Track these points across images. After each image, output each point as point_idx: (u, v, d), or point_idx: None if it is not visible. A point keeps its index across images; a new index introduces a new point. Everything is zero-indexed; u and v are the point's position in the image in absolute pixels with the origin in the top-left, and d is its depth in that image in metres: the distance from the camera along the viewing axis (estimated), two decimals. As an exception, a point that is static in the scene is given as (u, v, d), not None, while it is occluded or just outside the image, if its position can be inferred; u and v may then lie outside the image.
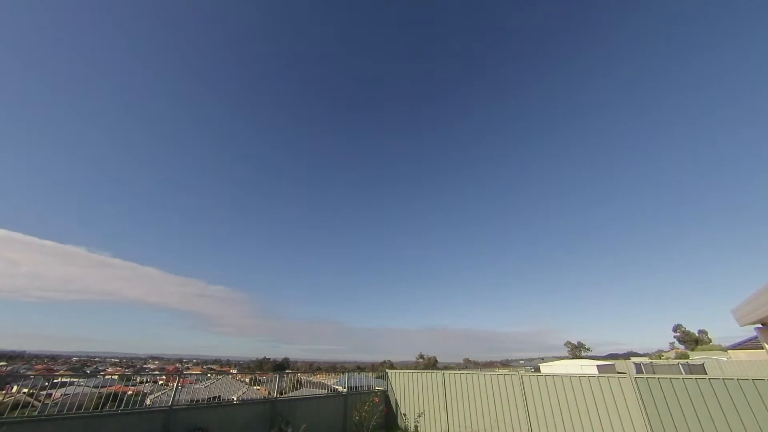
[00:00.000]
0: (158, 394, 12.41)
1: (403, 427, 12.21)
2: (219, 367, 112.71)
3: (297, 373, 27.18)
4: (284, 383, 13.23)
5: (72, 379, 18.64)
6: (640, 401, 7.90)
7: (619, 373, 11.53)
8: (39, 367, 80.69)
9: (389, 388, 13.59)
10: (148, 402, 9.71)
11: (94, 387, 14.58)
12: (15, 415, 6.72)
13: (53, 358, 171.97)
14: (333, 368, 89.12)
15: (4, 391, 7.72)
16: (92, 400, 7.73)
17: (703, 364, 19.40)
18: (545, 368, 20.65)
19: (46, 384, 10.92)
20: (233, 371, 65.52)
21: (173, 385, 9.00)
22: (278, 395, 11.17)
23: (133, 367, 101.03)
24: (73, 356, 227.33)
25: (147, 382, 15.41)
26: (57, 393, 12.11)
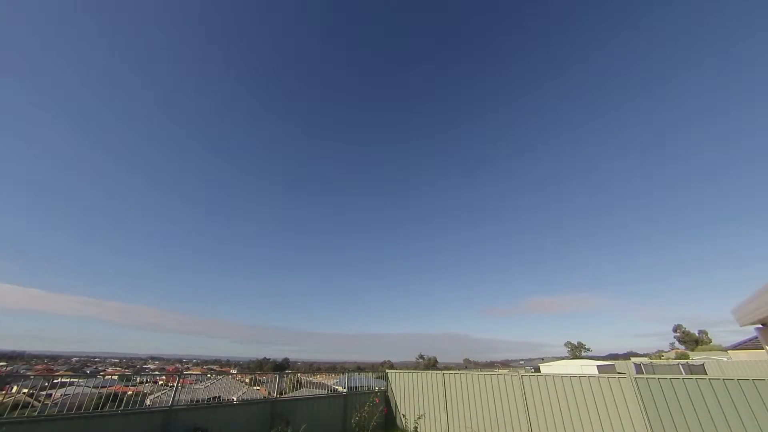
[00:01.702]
0: (158, 395, 12.38)
1: (403, 427, 12.20)
2: (219, 367, 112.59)
3: (297, 373, 27.14)
4: (284, 383, 13.22)
5: (72, 380, 18.57)
6: (640, 401, 7.90)
7: (619, 373, 11.50)
8: (39, 367, 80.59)
9: (389, 388, 13.58)
10: (148, 402, 9.69)
11: (94, 387, 14.55)
12: (15, 415, 6.71)
13: (53, 358, 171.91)
14: (333, 368, 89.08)
15: (4, 392, 7.71)
16: (92, 400, 7.73)
17: (703, 364, 19.37)
18: (545, 368, 20.60)
19: (46, 384, 10.90)
20: (233, 371, 65.50)
21: (173, 386, 9.00)
22: (278, 395, 11.16)
23: (133, 367, 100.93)
24: (73, 356, 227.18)
25: (147, 382, 15.39)
26: (57, 393, 12.09)
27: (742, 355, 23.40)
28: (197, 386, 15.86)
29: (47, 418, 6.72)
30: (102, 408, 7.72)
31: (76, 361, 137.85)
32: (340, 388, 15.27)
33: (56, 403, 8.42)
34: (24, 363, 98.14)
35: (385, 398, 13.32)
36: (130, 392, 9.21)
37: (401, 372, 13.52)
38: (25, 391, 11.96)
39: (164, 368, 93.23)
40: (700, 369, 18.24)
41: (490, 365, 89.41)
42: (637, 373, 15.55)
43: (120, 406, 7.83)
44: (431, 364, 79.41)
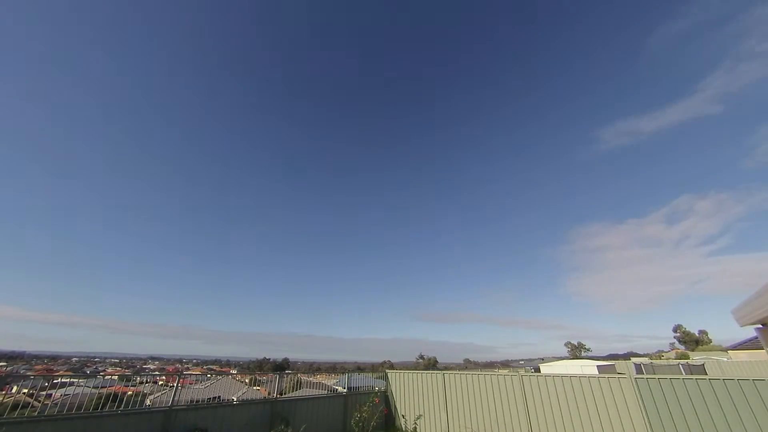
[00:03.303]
0: (158, 395, 12.38)
1: (402, 427, 12.20)
2: (219, 367, 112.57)
3: (297, 373, 27.15)
4: (284, 384, 13.23)
5: (72, 380, 18.60)
6: (640, 402, 7.89)
7: (619, 373, 11.51)
8: (39, 367, 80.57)
9: (389, 388, 13.58)
10: (148, 402, 9.69)
11: (94, 387, 14.59)
12: (15, 416, 6.71)
13: (53, 358, 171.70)
14: (333, 369, 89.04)
15: (4, 392, 7.71)
16: (92, 400, 7.72)
17: (703, 364, 19.36)
18: (545, 369, 20.62)
19: (46, 384, 10.90)
20: (233, 372, 65.43)
21: (173, 386, 9.00)
22: (278, 396, 11.16)
23: (132, 367, 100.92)
24: (73, 356, 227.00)
25: (147, 382, 15.39)
26: (57, 393, 12.09)
27: (742, 355, 23.40)
28: (197, 386, 15.86)
29: (47, 418, 6.71)
30: (102, 408, 7.71)
31: (76, 361, 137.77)
32: (340, 389, 15.27)
33: (56, 403, 8.41)
34: (24, 363, 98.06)
35: (385, 398, 13.31)
36: (130, 392, 9.21)
37: (401, 372, 13.52)
38: (25, 391, 11.96)
39: (164, 368, 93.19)
40: (700, 369, 18.23)
41: (490, 365, 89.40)
42: (637, 373, 15.56)
43: (120, 407, 7.82)
44: (431, 364, 79.39)
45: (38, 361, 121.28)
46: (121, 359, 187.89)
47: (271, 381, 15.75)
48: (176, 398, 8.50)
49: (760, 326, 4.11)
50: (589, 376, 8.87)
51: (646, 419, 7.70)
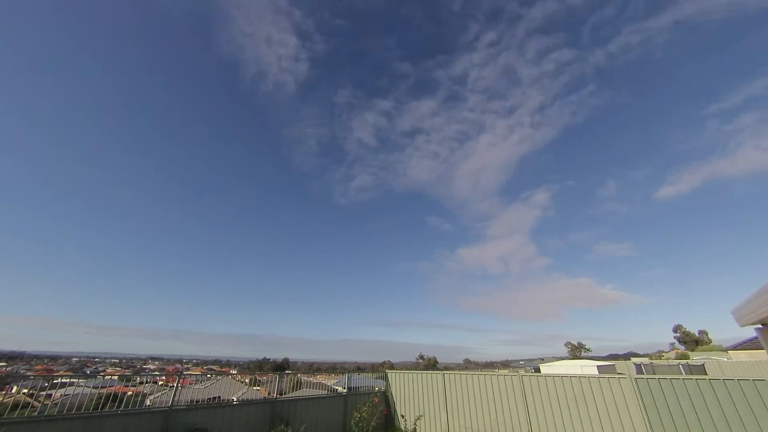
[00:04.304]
0: (158, 395, 12.40)
1: (402, 427, 12.20)
2: (219, 367, 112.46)
3: (297, 373, 27.14)
4: (284, 384, 13.21)
5: (72, 380, 18.60)
6: (640, 402, 7.90)
7: (619, 373, 11.50)
8: (39, 367, 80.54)
9: (389, 388, 13.58)
10: (148, 402, 9.69)
11: (93, 387, 14.58)
12: (15, 416, 6.71)
13: (53, 358, 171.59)
14: (333, 369, 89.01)
15: (4, 392, 7.71)
16: (92, 400, 7.73)
17: (703, 364, 19.33)
18: (545, 369, 20.59)
19: (46, 384, 10.93)
20: (233, 372, 65.39)
21: (173, 386, 9.01)
22: (278, 396, 11.16)
23: (132, 367, 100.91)
24: (73, 357, 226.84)
25: (147, 382, 15.43)
26: (57, 393, 12.10)
27: (742, 355, 23.38)
28: (197, 386, 15.85)
29: (47, 418, 6.72)
30: (102, 408, 7.71)
31: (76, 361, 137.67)
32: (340, 389, 15.26)
33: (56, 404, 8.42)
34: (24, 363, 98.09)
35: (385, 398, 13.31)
36: (130, 392, 9.19)
37: (401, 372, 13.51)
38: (25, 391, 11.97)
39: (164, 368, 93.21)
40: (700, 369, 18.20)
41: (490, 365, 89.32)
42: (637, 373, 15.55)
43: (120, 407, 7.82)
44: (431, 365, 79.34)
45: (38, 361, 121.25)
46: (121, 359, 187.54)
47: (271, 381, 15.74)
48: (176, 398, 8.50)
49: (760, 326, 4.10)
50: (589, 377, 8.87)
51: (646, 419, 7.70)
